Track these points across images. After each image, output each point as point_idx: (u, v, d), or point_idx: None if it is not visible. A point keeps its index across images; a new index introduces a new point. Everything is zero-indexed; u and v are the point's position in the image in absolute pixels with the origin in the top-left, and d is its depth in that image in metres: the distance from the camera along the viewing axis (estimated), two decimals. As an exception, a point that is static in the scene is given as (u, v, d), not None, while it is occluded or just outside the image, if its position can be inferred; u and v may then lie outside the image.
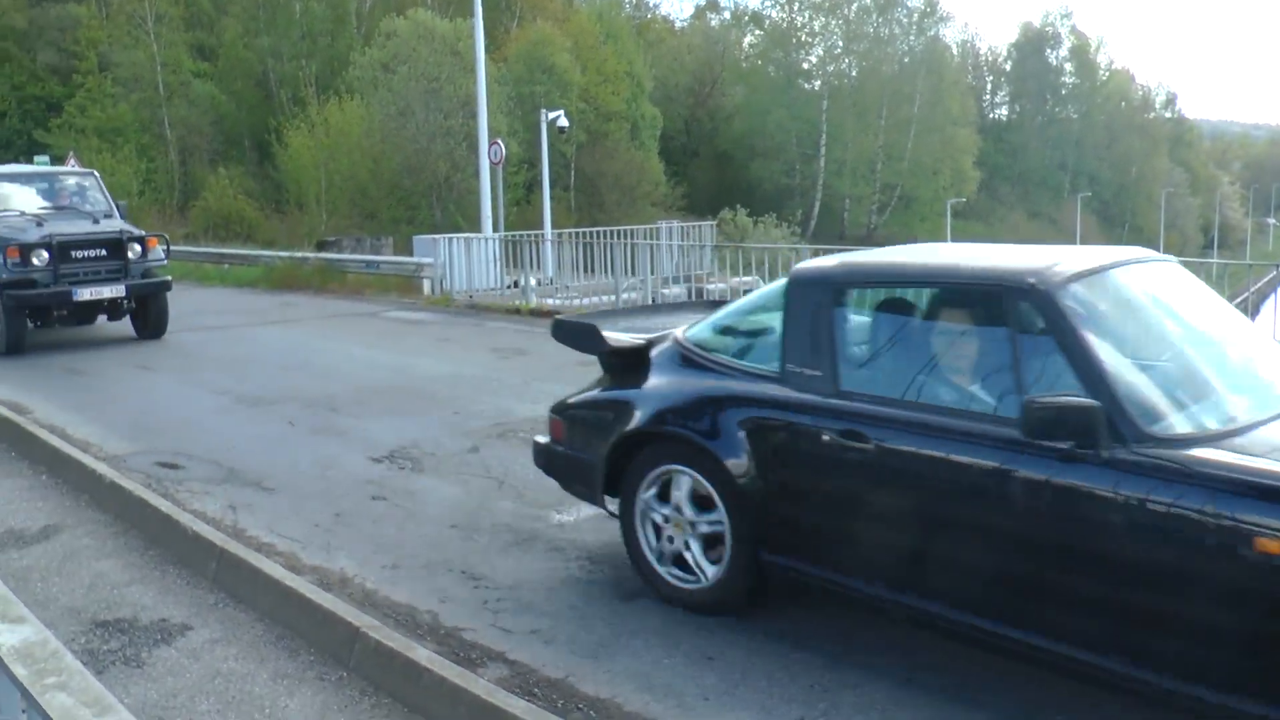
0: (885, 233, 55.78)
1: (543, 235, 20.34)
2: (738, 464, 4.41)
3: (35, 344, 13.10)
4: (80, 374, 11.21)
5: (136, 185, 38.98)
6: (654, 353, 5.04)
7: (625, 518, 4.91)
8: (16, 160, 44.78)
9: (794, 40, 60.87)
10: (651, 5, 68.64)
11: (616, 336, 5.20)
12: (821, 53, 61.11)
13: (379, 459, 7.44)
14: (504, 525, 5.95)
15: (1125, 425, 3.45)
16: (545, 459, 5.48)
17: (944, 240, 49.23)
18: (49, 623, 4.75)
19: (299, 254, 22.98)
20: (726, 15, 66.55)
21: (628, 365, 5.10)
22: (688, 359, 4.87)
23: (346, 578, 5.23)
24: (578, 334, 5.44)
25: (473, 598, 4.95)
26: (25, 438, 8.18)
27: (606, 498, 5.04)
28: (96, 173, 14.93)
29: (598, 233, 18.62)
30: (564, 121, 26.96)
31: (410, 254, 20.95)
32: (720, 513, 4.49)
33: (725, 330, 5.03)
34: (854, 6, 60.52)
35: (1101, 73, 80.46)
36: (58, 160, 34.31)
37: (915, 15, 61.47)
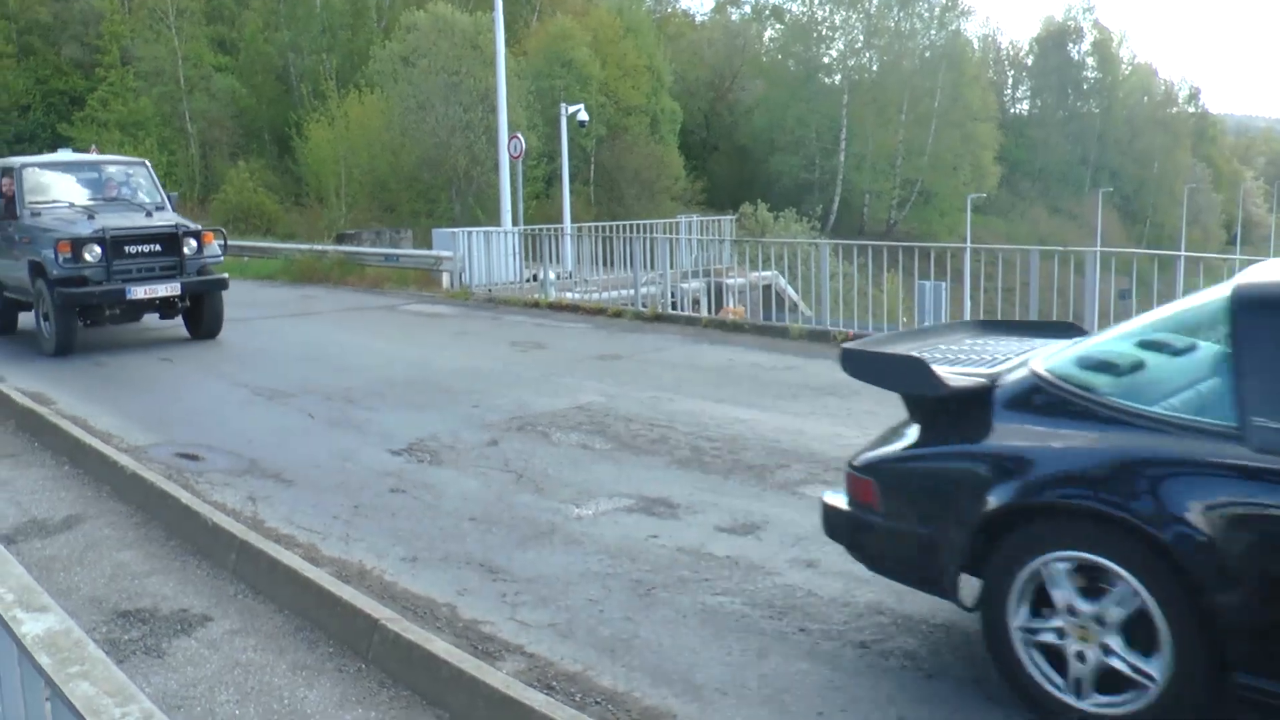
0: (905, 228, 55.58)
1: (562, 229, 20.34)
2: (1193, 555, 3.30)
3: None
4: (102, 366, 11.28)
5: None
6: (1000, 392, 3.96)
7: (994, 622, 3.77)
8: (40, 154, 45.06)
9: (814, 34, 60.60)
10: (672, -1, 68.58)
11: (950, 372, 4.06)
12: (842, 47, 60.83)
13: (398, 452, 7.45)
14: (522, 518, 5.96)
15: None
16: (849, 531, 4.33)
17: (964, 237, 49.03)
18: (71, 612, 4.77)
19: (318, 247, 23.05)
20: (747, 9, 66.33)
21: (959, 410, 4.02)
22: (1064, 403, 3.76)
23: (365, 570, 5.24)
24: (894, 370, 4.28)
25: (491, 590, 4.96)
26: (48, 428, 8.23)
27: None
28: (147, 162, 14.16)
29: (617, 226, 18.63)
30: (584, 115, 26.95)
31: (429, 247, 21.02)
32: (1159, 621, 3.36)
33: (1116, 363, 3.91)
34: (875, 1, 60.30)
35: (1124, 67, 79.90)
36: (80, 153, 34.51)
37: (936, 9, 61.12)
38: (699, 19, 69.68)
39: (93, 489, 6.90)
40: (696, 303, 17.44)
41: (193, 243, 12.33)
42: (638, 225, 19.06)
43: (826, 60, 60.98)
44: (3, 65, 50.44)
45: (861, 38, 60.30)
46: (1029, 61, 79.52)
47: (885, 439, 4.37)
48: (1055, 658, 3.62)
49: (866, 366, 4.37)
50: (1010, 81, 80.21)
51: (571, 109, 26.11)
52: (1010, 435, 3.82)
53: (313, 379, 10.23)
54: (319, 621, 4.70)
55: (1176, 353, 3.95)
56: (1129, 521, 3.39)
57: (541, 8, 51.04)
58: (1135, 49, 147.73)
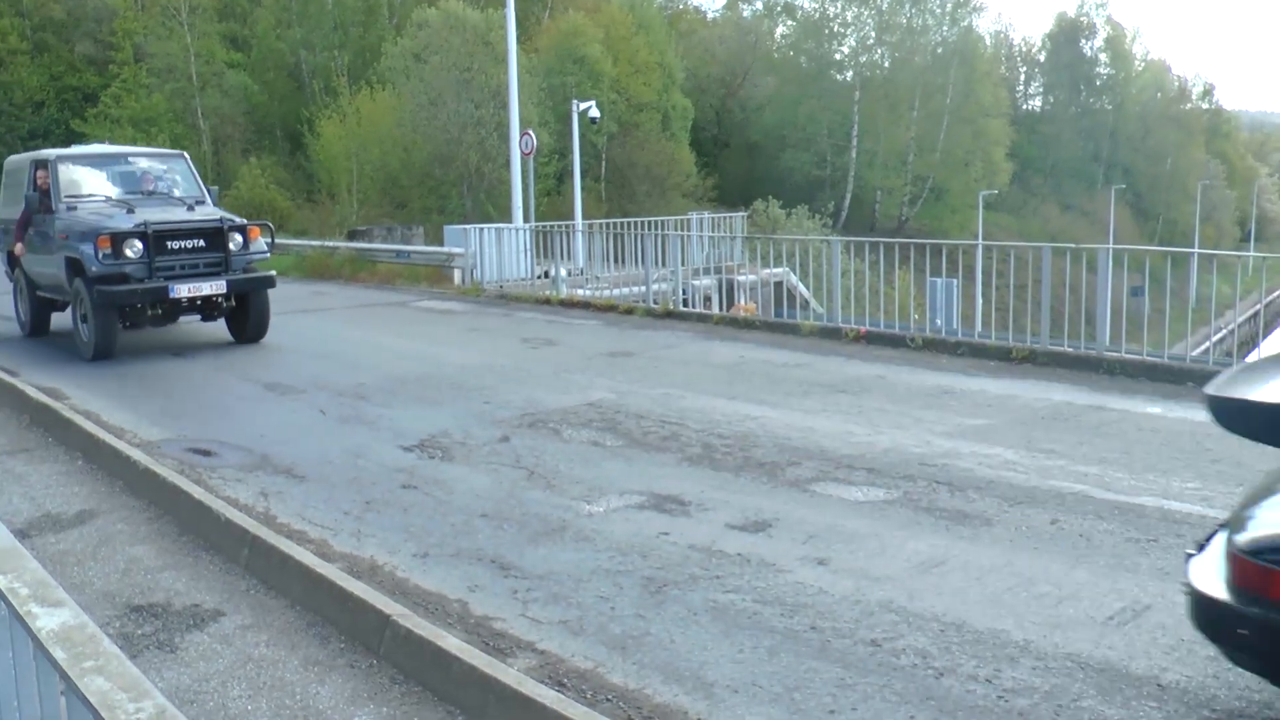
0: (916, 225, 55.44)
1: (573, 226, 20.34)
2: None
3: (59, 331, 13.17)
4: (115, 361, 11.31)
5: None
6: None
7: None
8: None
9: (826, 31, 60.42)
10: (683, -5, 68.47)
11: None
12: (854, 43, 60.65)
13: (409, 448, 7.46)
14: (534, 515, 5.96)
15: None
16: (1251, 634, 3.27)
17: (976, 234, 48.93)
18: (85, 606, 4.78)
19: (330, 243, 23.09)
20: (759, 6, 66.13)
21: None
22: None
23: (377, 565, 5.25)
24: None
25: (502, 587, 4.96)
26: (61, 423, 8.27)
27: None
28: (186, 155, 13.54)
29: (628, 223, 18.62)
30: (595, 112, 26.89)
31: (441, 244, 21.05)
32: None
33: None
34: (886, -4, 60.16)
35: (1137, 63, 79.52)
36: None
37: (948, 6, 60.87)
38: (710, 15, 69.63)
39: (106, 484, 6.92)
40: (708, 300, 17.41)
41: (238, 238, 11.68)
42: (649, 222, 19.06)
43: (838, 57, 60.81)
44: (17, 62, 50.65)
45: (873, 34, 60.10)
46: (1041, 58, 79.20)
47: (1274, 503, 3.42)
48: None
49: (1252, 419, 3.47)
50: (1022, 78, 79.90)
51: (583, 106, 26.09)
52: None
53: (324, 375, 10.25)
54: (331, 617, 4.71)
55: None
56: None
57: (553, 4, 51.03)
58: (1149, 45, 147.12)
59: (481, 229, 18.90)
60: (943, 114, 57.52)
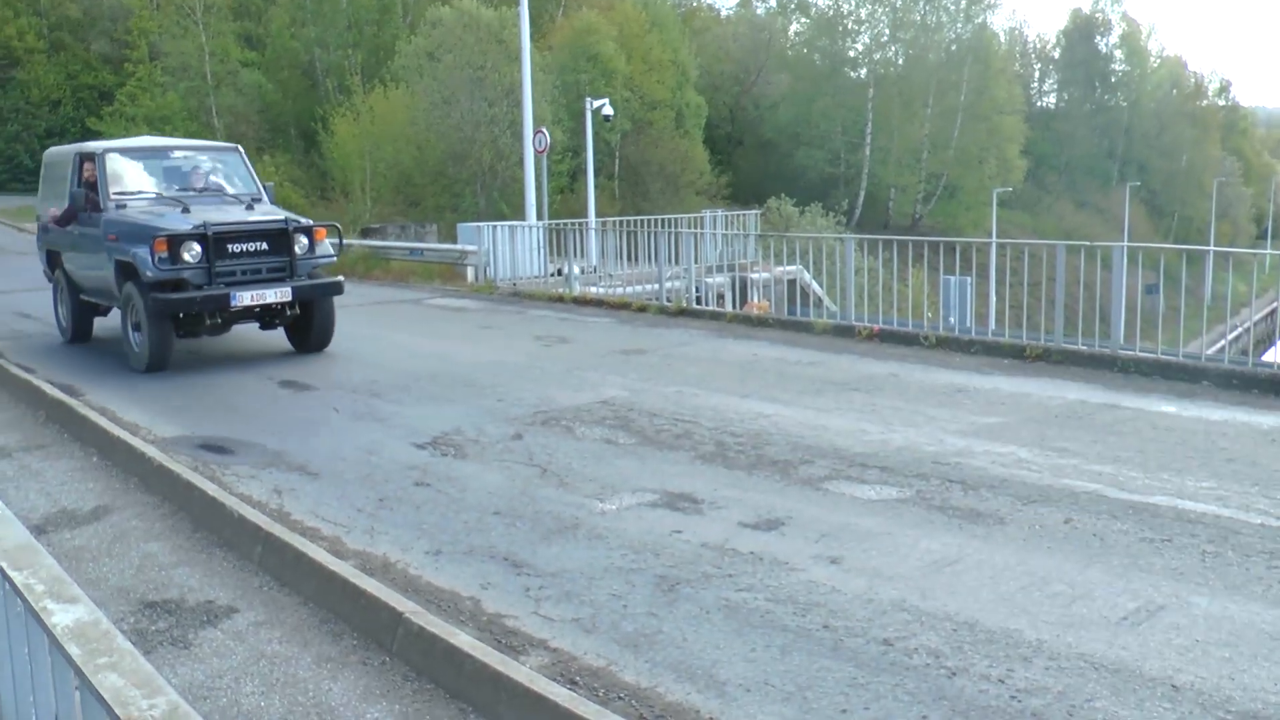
0: (930, 223, 55.29)
1: (586, 223, 20.35)
2: None
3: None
4: (128, 357, 11.35)
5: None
6: None
7: None
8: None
9: (840, 28, 60.26)
10: (697, -7, 68.40)
11: None
12: (868, 40, 60.48)
13: (422, 445, 7.48)
14: (546, 513, 5.97)
15: None
16: None
17: (990, 231, 48.78)
18: (100, 602, 4.81)
19: (344, 241, 23.12)
20: (772, 3, 66.00)
21: None
22: None
23: (389, 563, 5.26)
24: None
25: (515, 585, 4.97)
26: (77, 420, 8.31)
27: None
28: (240, 148, 12.52)
29: (642, 221, 18.61)
30: (608, 110, 26.91)
31: (454, 241, 21.06)
32: None
33: None
34: (900, -7, 59.97)
35: (1152, 59, 79.17)
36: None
37: (963, 2, 60.61)
38: (724, 13, 69.56)
39: (121, 480, 6.95)
40: (721, 297, 17.41)
41: (304, 240, 10.73)
42: (662, 220, 19.04)
43: (852, 54, 60.65)
44: (34, 60, 50.92)
45: (887, 31, 59.94)
46: (1056, 54, 78.95)
47: None
48: None
49: None
50: (1037, 74, 79.65)
51: (596, 103, 26.09)
52: None
53: (337, 372, 10.28)
54: (344, 614, 4.72)
55: None
56: None
57: (567, 2, 51.03)
58: (1164, 41, 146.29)
59: (495, 227, 18.92)
60: (957, 111, 57.34)
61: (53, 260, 12.71)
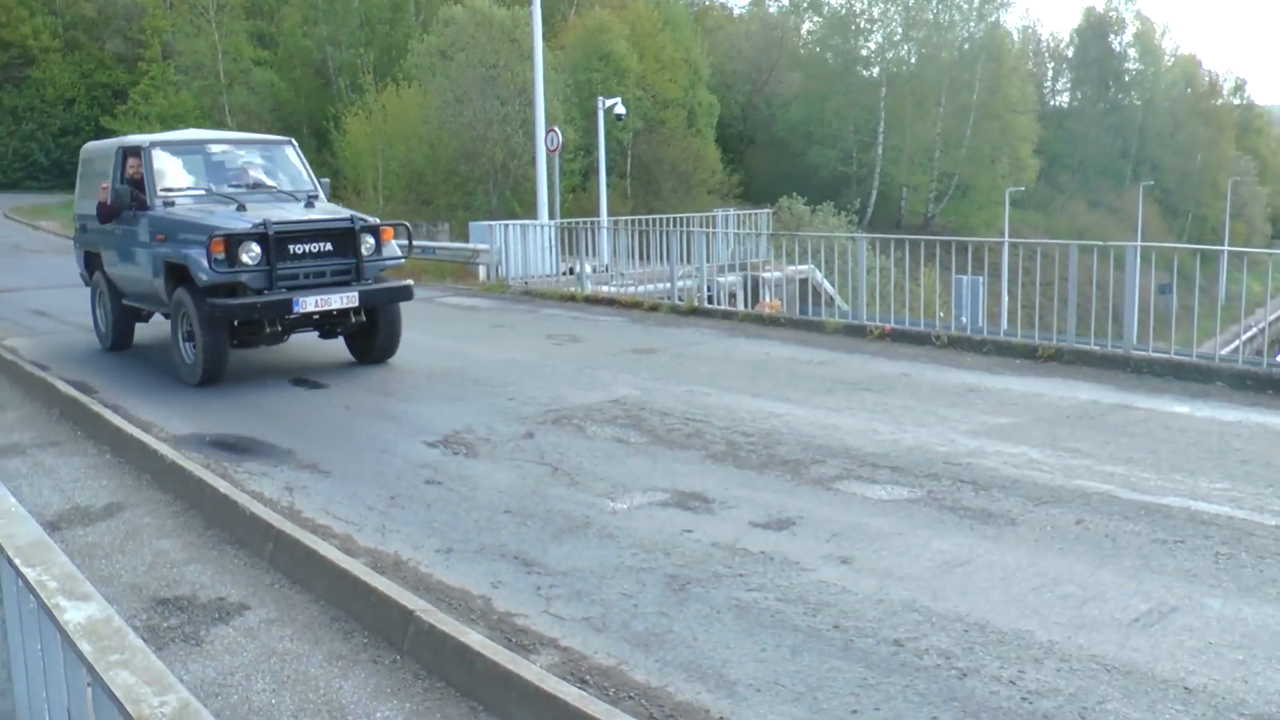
0: (942, 222, 55.16)
1: (598, 222, 20.34)
2: None
3: (90, 325, 13.26)
4: (143, 357, 11.40)
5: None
6: None
7: None
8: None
9: (853, 26, 60.14)
10: (709, -9, 68.36)
11: None
12: (880, 39, 60.37)
13: (433, 443, 7.49)
14: (557, 511, 5.97)
15: None
16: None
17: (1002, 231, 48.64)
18: (112, 599, 4.83)
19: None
20: (785, 1, 65.97)
21: None
22: None
23: (400, 561, 5.27)
24: None
25: (525, 583, 4.97)
26: (90, 417, 8.35)
27: None
28: (294, 141, 11.71)
29: (653, 220, 18.62)
30: (620, 109, 26.91)
31: (466, 240, 21.08)
32: None
33: None
34: (914, -8, 59.83)
35: (1166, 58, 78.80)
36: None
37: (975, 1, 60.57)
38: (737, 12, 69.51)
39: (133, 477, 6.98)
40: (733, 297, 17.39)
41: (370, 240, 9.94)
42: (674, 219, 19.04)
43: (865, 53, 60.55)
44: (49, 59, 51.16)
45: (900, 30, 59.80)
46: (1069, 53, 78.62)
47: None
48: None
49: None
50: (1050, 73, 79.34)
51: (608, 102, 26.10)
52: None
53: (348, 370, 10.30)
54: (354, 612, 4.73)
55: None
56: None
57: (579, 1, 51.05)
58: (1178, 40, 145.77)
59: (506, 225, 18.94)
60: (969, 110, 57.17)
61: (91, 262, 12.04)
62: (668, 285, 15.59)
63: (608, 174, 27.92)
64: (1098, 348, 10.03)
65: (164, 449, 7.13)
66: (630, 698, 3.89)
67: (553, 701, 3.71)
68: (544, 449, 7.27)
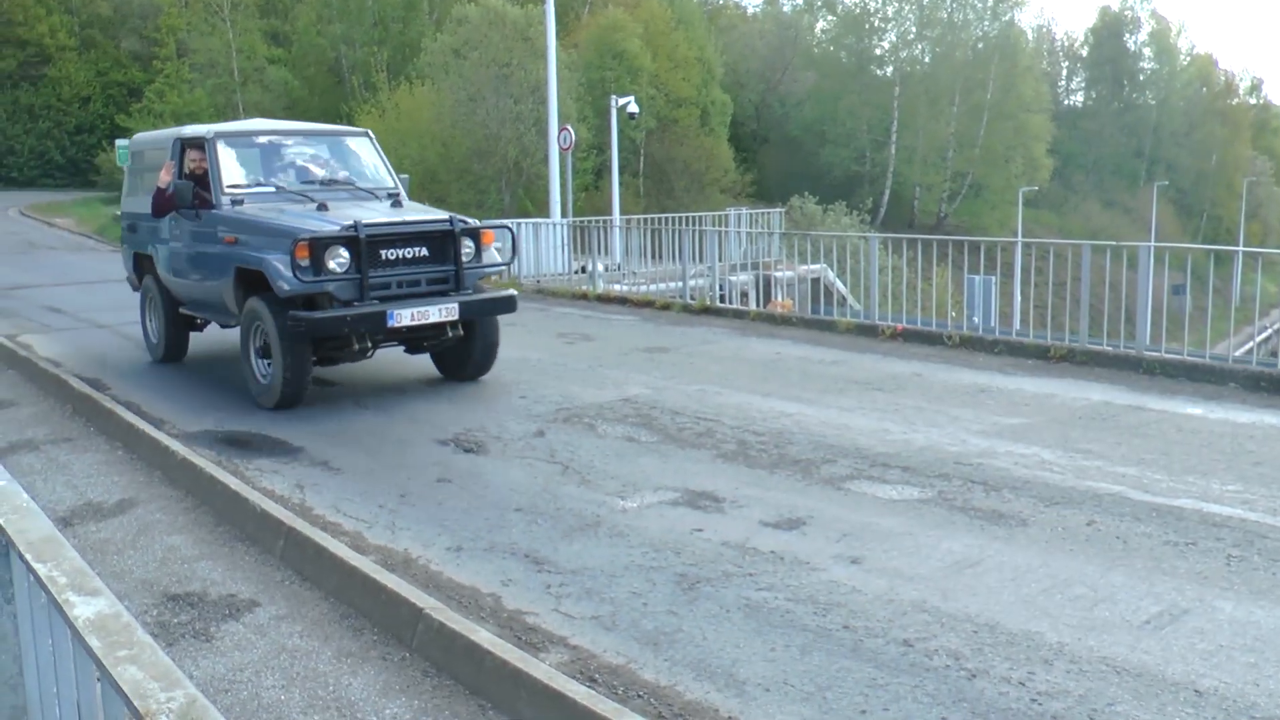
0: (955, 222, 55.03)
1: (611, 221, 20.35)
2: None
3: (104, 323, 13.33)
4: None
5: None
6: None
7: None
8: (100, 145, 46.18)
9: (867, 25, 60.04)
10: (723, -10, 68.33)
11: None
12: (894, 38, 60.24)
13: (444, 441, 7.50)
14: (568, 510, 5.98)
15: None
16: None
17: (1016, 230, 48.49)
18: (123, 595, 4.87)
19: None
20: (799, 1, 65.99)
21: None
22: None
23: (411, 558, 5.28)
24: None
25: (535, 581, 4.98)
26: (102, 414, 8.38)
27: None
28: (371, 133, 10.62)
29: (666, 219, 18.61)
30: (634, 108, 26.92)
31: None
32: None
33: None
34: (928, -9, 59.69)
35: (1182, 58, 78.42)
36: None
37: (990, 0, 60.44)
38: (750, 11, 69.50)
39: (145, 474, 7.01)
40: (745, 296, 17.39)
41: (470, 245, 8.91)
42: (686, 218, 19.04)
43: (878, 52, 60.44)
44: (65, 58, 51.43)
45: (914, 29, 59.68)
46: (1084, 52, 78.36)
47: None
48: None
49: None
50: (1064, 73, 79.10)
51: (621, 101, 26.11)
52: None
53: (360, 368, 10.31)
54: (364, 609, 4.74)
55: None
56: None
57: (593, 0, 51.07)
58: (1194, 39, 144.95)
59: (519, 224, 18.95)
60: (983, 109, 57.01)
61: (140, 265, 10.99)
62: (679, 284, 15.59)
63: (620, 173, 27.95)
64: (1110, 348, 9.99)
65: (176, 445, 7.16)
66: (639, 696, 3.90)
67: (561, 700, 3.71)
68: (555, 447, 7.28)
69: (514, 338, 12.25)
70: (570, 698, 3.69)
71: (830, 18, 63.25)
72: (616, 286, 16.69)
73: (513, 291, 9.50)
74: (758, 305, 16.69)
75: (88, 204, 39.76)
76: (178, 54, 45.60)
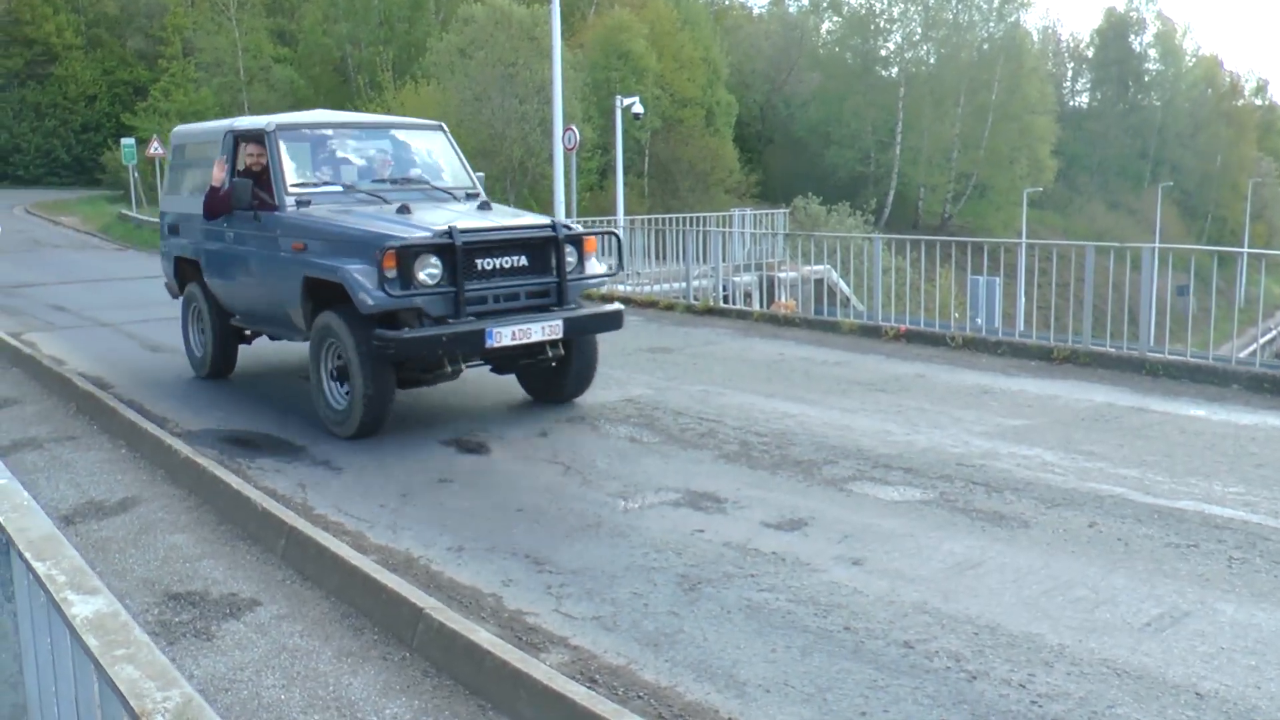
0: (960, 223, 55.01)
1: (615, 221, 20.34)
2: None
3: (108, 321, 13.36)
4: (158, 351, 11.46)
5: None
6: None
7: None
8: (105, 144, 46.28)
9: (872, 26, 60.06)
10: (729, -9, 68.34)
11: None
12: (900, 39, 60.25)
13: (446, 442, 7.50)
14: (570, 510, 5.98)
15: None
16: None
17: (1020, 231, 48.44)
18: (125, 593, 4.88)
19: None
20: (804, 1, 65.94)
21: None
22: None
23: (412, 558, 5.29)
24: None
25: (537, 582, 4.98)
26: (106, 412, 8.39)
27: None
28: (445, 126, 9.66)
29: (670, 219, 18.60)
30: (639, 108, 26.94)
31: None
32: None
33: None
34: (933, -8, 59.68)
35: (1187, 59, 78.35)
36: (142, 144, 35.08)
37: (995, 1, 60.36)
38: (756, 11, 69.54)
39: (148, 472, 7.02)
40: (748, 296, 17.38)
41: (573, 252, 7.93)
42: (691, 218, 19.03)
43: (884, 53, 60.45)
44: (72, 57, 51.55)
45: (919, 30, 59.67)
46: (1089, 54, 78.34)
47: None
48: None
49: None
50: (1069, 74, 79.09)
51: (626, 101, 26.14)
52: None
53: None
54: (365, 609, 4.74)
55: None
56: None
57: (599, 0, 51.10)
58: (1200, 40, 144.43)
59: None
60: (988, 110, 57.00)
61: (183, 271, 9.97)
62: (683, 285, 15.59)
63: (625, 173, 27.97)
64: (1114, 350, 9.98)
65: (178, 444, 7.17)
66: (639, 697, 3.90)
67: (561, 700, 3.71)
68: (557, 448, 7.28)
69: (517, 338, 12.25)
70: (570, 698, 3.69)
71: (836, 19, 63.31)
72: (620, 287, 16.68)
73: (620, 306, 8.31)
74: (761, 306, 16.69)
75: (93, 202, 39.86)
76: (184, 53, 45.71)
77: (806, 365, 10.22)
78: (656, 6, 48.86)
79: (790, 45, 60.71)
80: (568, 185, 22.59)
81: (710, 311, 14.04)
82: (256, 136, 8.58)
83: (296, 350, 11.24)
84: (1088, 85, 79.08)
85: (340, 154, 8.81)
